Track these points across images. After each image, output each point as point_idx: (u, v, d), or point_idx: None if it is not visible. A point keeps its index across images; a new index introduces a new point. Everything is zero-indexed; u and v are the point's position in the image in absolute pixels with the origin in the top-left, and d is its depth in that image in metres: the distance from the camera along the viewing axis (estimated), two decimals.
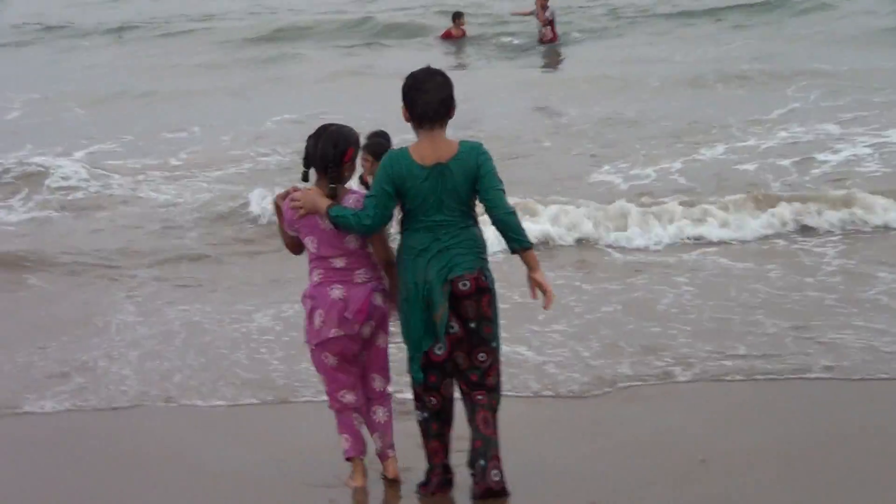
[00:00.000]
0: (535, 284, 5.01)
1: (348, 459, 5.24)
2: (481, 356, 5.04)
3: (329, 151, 5.03)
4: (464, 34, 23.57)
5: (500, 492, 5.00)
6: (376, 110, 13.02)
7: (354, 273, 5.09)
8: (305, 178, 5.16)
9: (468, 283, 4.96)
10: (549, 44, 21.91)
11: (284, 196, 5.14)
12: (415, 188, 4.93)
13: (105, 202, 11.77)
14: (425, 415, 5.14)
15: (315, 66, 20.69)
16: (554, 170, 12.05)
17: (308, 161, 5.11)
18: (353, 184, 8.34)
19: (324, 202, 4.99)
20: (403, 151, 5.00)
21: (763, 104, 14.42)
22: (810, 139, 12.58)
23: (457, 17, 23.62)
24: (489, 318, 5.03)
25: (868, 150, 11.87)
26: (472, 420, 5.08)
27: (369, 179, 8.92)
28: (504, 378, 5.24)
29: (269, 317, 7.88)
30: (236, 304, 8.25)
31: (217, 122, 15.50)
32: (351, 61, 21.19)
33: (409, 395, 5.23)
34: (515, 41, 22.54)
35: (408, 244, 5.01)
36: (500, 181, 5.00)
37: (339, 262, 5.09)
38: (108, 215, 11.28)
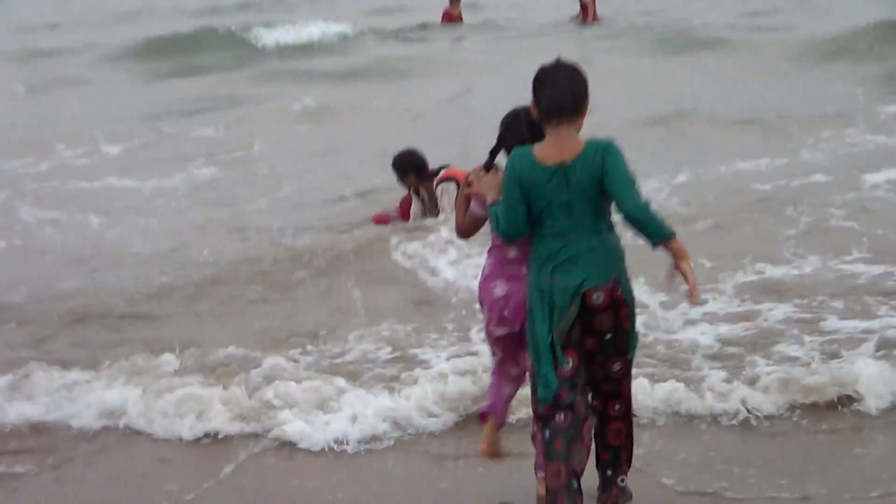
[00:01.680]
0: (682, 274, 4.53)
1: (482, 416, 5.07)
2: (616, 366, 4.69)
3: (538, 129, 4.71)
4: (461, 18, 23.25)
5: (625, 498, 4.75)
6: None
7: (523, 267, 4.85)
8: (488, 168, 4.85)
9: (602, 295, 4.59)
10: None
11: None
12: (539, 190, 4.60)
13: None
14: (548, 433, 4.67)
15: None
16: None
17: (510, 148, 4.77)
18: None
19: (495, 193, 4.74)
20: (527, 150, 4.66)
21: None
22: None
23: None
24: (625, 330, 4.65)
25: None
26: (601, 433, 4.78)
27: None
28: None
29: None
30: None
31: None
32: None
33: None
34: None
35: (536, 250, 4.69)
36: (632, 175, 4.57)
37: (513, 252, 4.89)
38: None
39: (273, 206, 10.67)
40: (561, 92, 4.57)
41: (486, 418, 5.08)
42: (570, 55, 4.72)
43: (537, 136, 4.70)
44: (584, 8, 22.59)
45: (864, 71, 15.87)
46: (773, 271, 7.74)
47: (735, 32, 20.79)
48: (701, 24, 21.54)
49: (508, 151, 4.80)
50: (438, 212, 9.30)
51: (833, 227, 8.72)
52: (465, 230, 5.02)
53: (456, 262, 8.37)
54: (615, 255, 4.65)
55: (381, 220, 9.72)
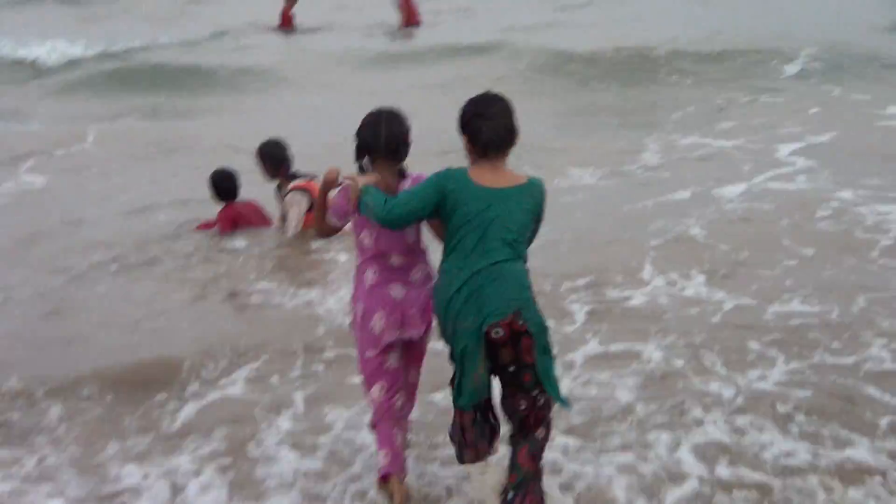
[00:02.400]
0: None
1: (384, 478, 4.86)
2: (522, 404, 4.65)
3: (397, 130, 4.78)
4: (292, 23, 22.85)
5: None
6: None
7: (410, 272, 4.85)
8: (362, 170, 4.86)
9: (501, 330, 4.53)
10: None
11: (332, 183, 4.83)
12: (466, 206, 4.56)
13: None
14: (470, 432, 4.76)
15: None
16: None
17: (367, 149, 4.80)
18: None
19: (362, 180, 4.69)
20: (461, 171, 4.65)
21: None
22: None
23: None
24: (528, 364, 4.57)
25: None
26: (513, 452, 4.71)
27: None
28: None
29: None
30: None
31: None
32: None
33: None
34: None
35: (445, 269, 4.65)
36: None
37: (397, 260, 4.83)
38: None
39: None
40: (498, 126, 4.61)
41: (388, 479, 4.86)
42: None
43: (393, 136, 4.78)
44: (404, 11, 22.35)
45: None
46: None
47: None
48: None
49: (367, 151, 4.81)
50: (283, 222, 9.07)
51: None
52: (322, 235, 5.02)
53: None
54: (520, 285, 4.61)
55: (205, 227, 9.41)
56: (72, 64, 19.73)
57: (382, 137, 4.76)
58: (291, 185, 8.96)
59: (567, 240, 8.40)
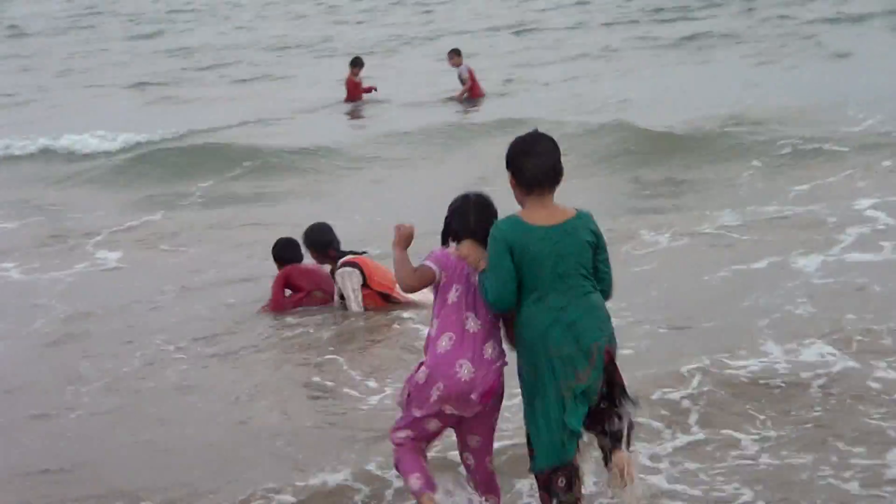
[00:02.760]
0: None
1: (418, 496, 4.95)
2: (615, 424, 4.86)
3: (485, 216, 4.95)
4: (358, 89, 22.09)
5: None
6: None
7: (485, 345, 4.86)
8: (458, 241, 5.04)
9: (604, 354, 4.78)
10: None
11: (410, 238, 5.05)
12: (532, 252, 4.66)
13: None
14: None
15: None
16: None
17: (455, 235, 4.98)
18: None
19: (484, 259, 4.80)
20: (513, 217, 4.78)
21: None
22: None
23: (355, 64, 22.29)
24: (620, 384, 4.86)
25: None
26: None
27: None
28: None
29: None
30: None
31: None
32: None
33: None
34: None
35: (530, 318, 4.73)
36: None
37: (474, 325, 4.85)
38: None
39: None
40: (545, 163, 4.75)
41: (422, 496, 4.94)
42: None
43: (482, 221, 4.90)
44: (468, 83, 21.96)
45: None
46: None
47: None
48: None
49: (454, 237, 4.97)
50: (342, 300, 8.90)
51: None
52: (414, 286, 5.02)
53: None
54: (606, 315, 4.81)
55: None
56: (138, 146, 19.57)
57: (472, 223, 4.93)
58: (340, 262, 8.83)
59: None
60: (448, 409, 4.88)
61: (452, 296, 4.90)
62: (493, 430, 5.10)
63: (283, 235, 9.57)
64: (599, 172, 14.51)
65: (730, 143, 15.16)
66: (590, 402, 4.75)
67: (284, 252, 9.35)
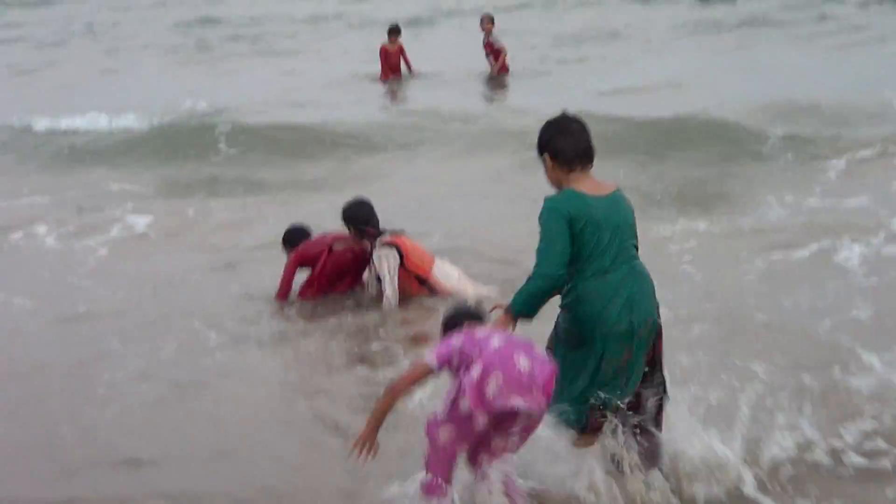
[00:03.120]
0: None
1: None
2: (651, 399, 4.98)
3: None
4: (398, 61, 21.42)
5: None
6: None
7: (534, 347, 4.81)
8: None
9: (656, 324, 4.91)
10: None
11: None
12: (589, 217, 4.64)
13: None
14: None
15: None
16: None
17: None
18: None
19: (507, 319, 4.85)
20: (569, 190, 4.76)
21: None
22: None
23: (393, 32, 21.58)
24: (661, 355, 4.97)
25: None
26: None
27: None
28: None
29: None
30: None
31: None
32: None
33: None
34: None
35: (589, 291, 4.70)
36: None
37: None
38: None
39: None
40: (581, 139, 4.84)
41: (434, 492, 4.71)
42: None
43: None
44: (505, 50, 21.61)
45: None
46: None
47: None
48: None
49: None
50: (379, 282, 8.55)
51: None
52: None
53: None
54: (653, 288, 4.90)
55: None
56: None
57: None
58: (379, 241, 8.53)
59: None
60: (510, 402, 4.54)
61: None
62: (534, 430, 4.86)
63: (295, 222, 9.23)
64: (637, 160, 14.12)
65: (778, 134, 14.70)
66: (631, 378, 4.80)
67: (293, 237, 8.93)
